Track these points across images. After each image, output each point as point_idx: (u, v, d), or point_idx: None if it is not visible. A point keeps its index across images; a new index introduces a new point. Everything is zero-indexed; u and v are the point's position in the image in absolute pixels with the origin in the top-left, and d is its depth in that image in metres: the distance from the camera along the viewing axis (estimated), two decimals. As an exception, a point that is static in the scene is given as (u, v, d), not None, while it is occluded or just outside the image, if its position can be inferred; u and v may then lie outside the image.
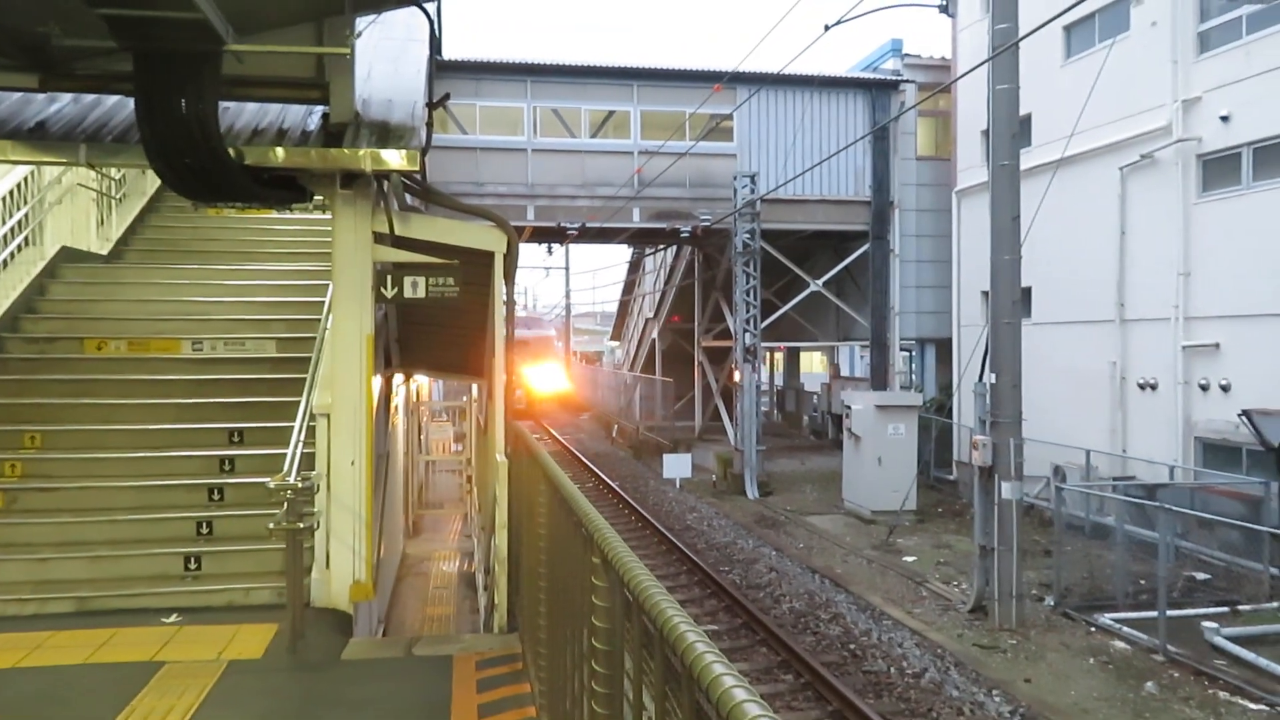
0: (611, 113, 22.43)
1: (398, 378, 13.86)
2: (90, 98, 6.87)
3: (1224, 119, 14.58)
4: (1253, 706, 9.00)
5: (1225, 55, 14.71)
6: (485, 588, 9.99)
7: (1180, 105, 15.31)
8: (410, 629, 12.60)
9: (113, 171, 11.10)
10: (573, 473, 23.52)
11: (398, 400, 14.54)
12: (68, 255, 10.12)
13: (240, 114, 6.94)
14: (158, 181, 11.16)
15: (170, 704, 4.98)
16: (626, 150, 22.13)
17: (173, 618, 6.44)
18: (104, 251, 11.00)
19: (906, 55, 23.61)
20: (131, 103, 5.81)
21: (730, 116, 22.22)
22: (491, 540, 7.45)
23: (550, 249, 27.22)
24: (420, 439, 21.58)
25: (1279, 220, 13.69)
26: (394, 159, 6.30)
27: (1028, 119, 17.05)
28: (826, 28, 14.07)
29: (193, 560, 7.08)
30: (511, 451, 6.98)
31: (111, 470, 7.73)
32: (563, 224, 21.94)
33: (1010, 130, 11.92)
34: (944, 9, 21.61)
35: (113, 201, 11.42)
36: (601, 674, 2.71)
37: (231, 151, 5.99)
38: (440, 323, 10.37)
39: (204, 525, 7.36)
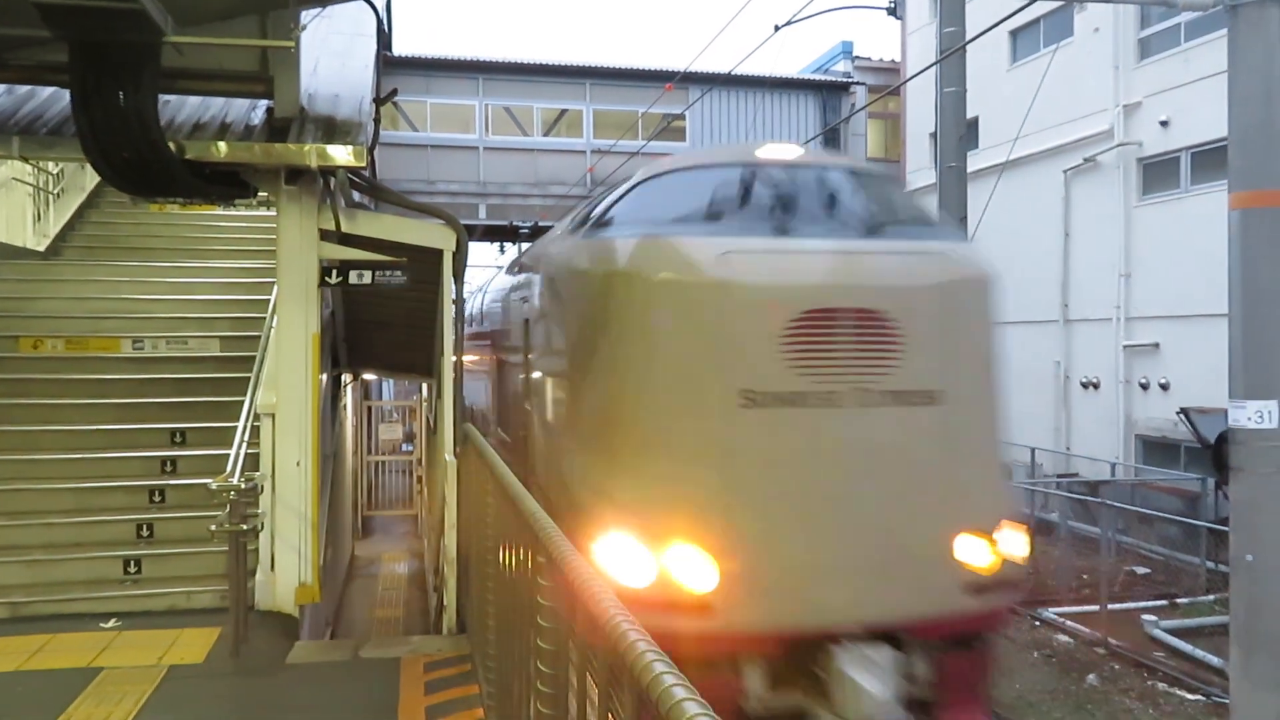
0: (564, 111, 22.37)
1: (345, 377, 13.69)
2: (24, 89, 6.67)
3: (1163, 124, 14.94)
4: (1189, 696, 9.22)
5: (1165, 61, 15.08)
6: (435, 589, 9.90)
7: (1122, 110, 15.66)
8: (359, 631, 12.46)
9: (50, 166, 10.81)
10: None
11: (345, 400, 14.37)
12: (2, 251, 9.84)
13: (181, 107, 6.79)
14: (98, 176, 10.92)
15: (108, 711, 4.86)
16: (579, 149, 22.09)
17: (111, 623, 6.28)
18: (41, 248, 10.71)
19: (857, 57, 23.87)
20: (67, 94, 5.65)
21: (682, 116, 22.28)
22: (441, 541, 7.39)
23: (503, 248, 27.08)
24: (369, 439, 21.35)
25: (1215, 222, 14.02)
26: (340, 155, 6.21)
27: (975, 122, 17.32)
28: (776, 28, 14.15)
29: (133, 564, 6.91)
30: (460, 452, 6.91)
31: (48, 472, 7.52)
32: (515, 223, 21.83)
33: (958, 133, 12.08)
34: (892, 12, 21.85)
35: (50, 196, 11.13)
36: (547, 674, 2.69)
37: (172, 146, 5.86)
38: (389, 321, 10.25)
39: (144, 528, 7.19)
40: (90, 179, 11.88)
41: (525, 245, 17.47)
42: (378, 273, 6.76)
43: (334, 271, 6.69)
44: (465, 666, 5.60)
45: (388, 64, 19.42)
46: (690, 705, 1.41)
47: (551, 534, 2.67)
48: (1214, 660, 9.64)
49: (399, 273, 6.79)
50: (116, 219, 11.97)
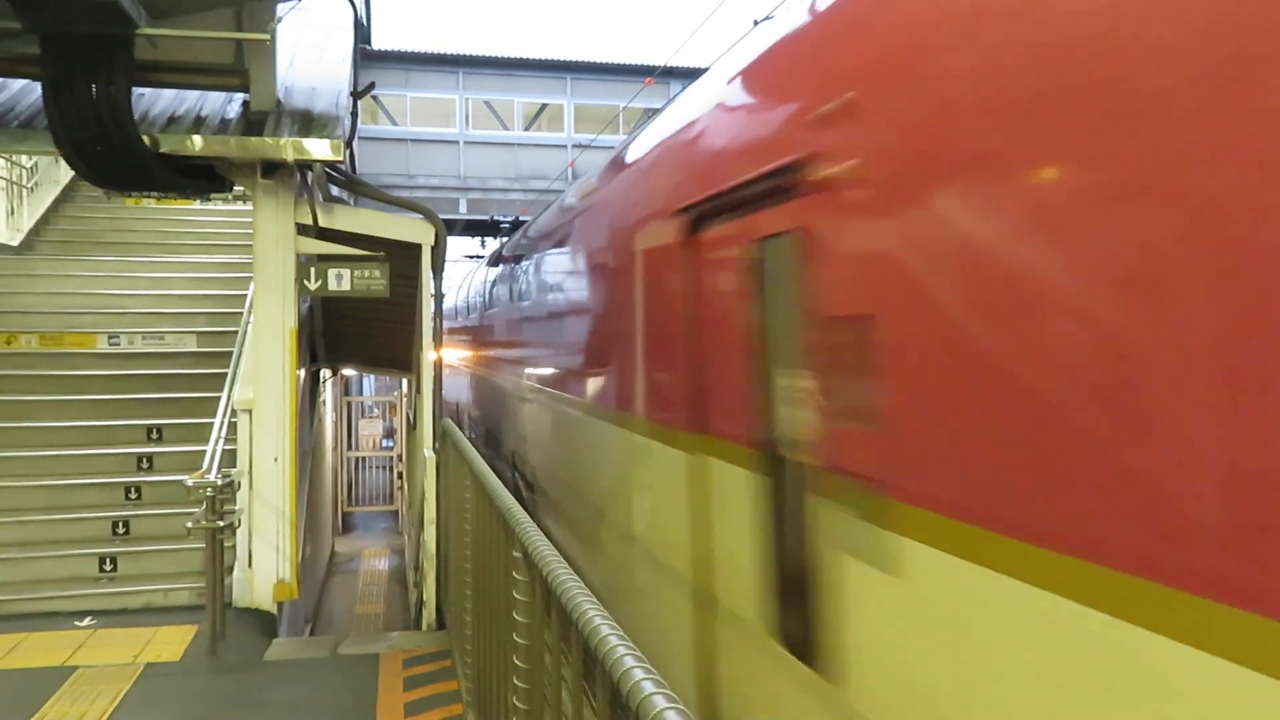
0: (545, 105, 22.33)
1: (324, 372, 13.62)
2: (-5, 81, 6.60)
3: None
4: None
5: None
6: (415, 585, 9.88)
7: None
8: (339, 628, 12.43)
9: (24, 159, 10.69)
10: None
11: (324, 396, 14.31)
12: (-25, 246, 9.74)
13: (155, 100, 6.73)
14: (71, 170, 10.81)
15: (83, 710, 4.82)
16: (560, 144, 22.04)
17: (86, 621, 6.24)
18: (14, 242, 10.59)
19: (837, 52, 23.90)
20: (39, 86, 5.59)
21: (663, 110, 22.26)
22: (421, 537, 7.37)
23: (484, 242, 27.00)
24: (349, 435, 21.28)
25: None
26: (317, 149, 6.17)
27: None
28: (755, 22, 14.16)
29: (108, 561, 6.86)
30: (440, 447, 6.90)
31: (22, 469, 7.45)
32: (495, 217, 21.77)
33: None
34: (873, 7, 21.92)
35: (24, 190, 11.01)
36: (523, 669, 2.69)
37: (146, 139, 5.81)
38: (367, 316, 10.20)
39: (120, 525, 7.14)
40: (65, 173, 11.75)
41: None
42: (357, 278, 6.71)
43: (313, 274, 6.64)
44: (445, 662, 5.59)
45: (366, 57, 19.31)
46: (658, 699, 1.41)
47: (526, 528, 2.67)
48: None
49: (378, 275, 6.74)
50: (91, 213, 11.86)
